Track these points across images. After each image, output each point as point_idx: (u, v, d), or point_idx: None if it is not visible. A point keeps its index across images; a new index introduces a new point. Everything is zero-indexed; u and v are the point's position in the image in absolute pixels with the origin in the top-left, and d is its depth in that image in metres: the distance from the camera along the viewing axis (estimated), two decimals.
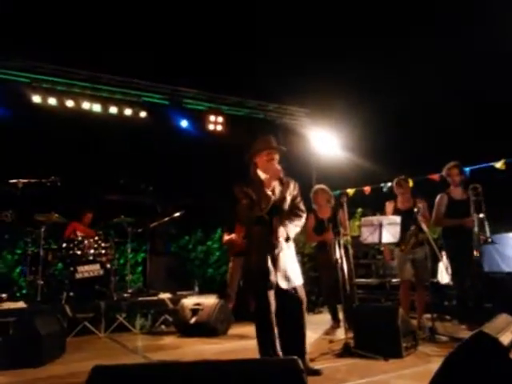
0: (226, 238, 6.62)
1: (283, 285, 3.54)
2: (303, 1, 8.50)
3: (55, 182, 6.02)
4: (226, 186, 3.93)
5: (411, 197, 5.42)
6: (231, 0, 8.28)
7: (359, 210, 8.38)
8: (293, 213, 3.70)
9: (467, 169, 6.68)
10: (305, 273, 4.57)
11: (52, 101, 7.05)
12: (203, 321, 5.49)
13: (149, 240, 7.00)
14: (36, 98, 6.94)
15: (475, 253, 5.04)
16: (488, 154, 6.93)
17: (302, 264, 6.90)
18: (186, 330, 5.59)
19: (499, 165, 6.63)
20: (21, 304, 5.56)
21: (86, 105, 7.27)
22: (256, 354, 3.53)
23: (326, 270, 5.43)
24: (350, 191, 8.44)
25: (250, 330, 4.59)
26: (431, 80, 8.07)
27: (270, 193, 3.59)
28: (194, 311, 5.60)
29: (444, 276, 6.02)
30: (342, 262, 4.48)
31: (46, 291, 5.86)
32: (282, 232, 3.58)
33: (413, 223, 5.04)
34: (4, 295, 5.83)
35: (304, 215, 3.78)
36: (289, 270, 3.59)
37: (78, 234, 6.46)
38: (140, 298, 6.29)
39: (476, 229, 5.07)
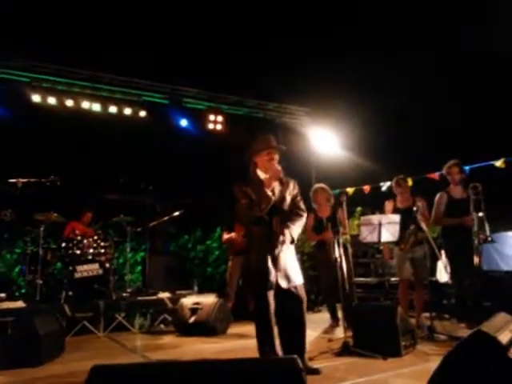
0: (226, 236, 6.61)
1: (283, 284, 3.53)
2: (303, 1, 8.51)
3: (55, 181, 6.02)
4: (226, 185, 3.93)
5: (410, 196, 5.43)
6: (231, 0, 8.30)
7: (358, 208, 8.38)
8: (293, 212, 3.69)
9: (467, 167, 6.67)
10: (304, 272, 4.55)
11: (52, 100, 7.04)
12: (202, 320, 5.48)
13: (148, 239, 6.98)
14: (36, 98, 6.92)
15: (475, 259, 5.02)
16: (488, 153, 6.93)
17: (302, 263, 6.90)
18: (185, 329, 5.58)
19: (499, 163, 6.62)
20: (20, 303, 5.54)
21: (85, 104, 7.26)
22: (255, 353, 3.53)
23: (325, 268, 5.43)
24: (350, 190, 8.44)
25: (249, 329, 4.60)
26: (431, 80, 8.09)
27: (270, 193, 3.57)
28: (193, 310, 5.59)
29: (443, 275, 6.02)
30: (341, 261, 4.48)
31: (45, 290, 5.84)
32: (287, 235, 3.56)
33: (412, 222, 5.04)
34: (3, 295, 5.85)
35: (305, 214, 3.76)
36: (289, 269, 3.59)
37: (77, 233, 6.45)
38: (139, 298, 6.28)
39: (475, 228, 5.07)
